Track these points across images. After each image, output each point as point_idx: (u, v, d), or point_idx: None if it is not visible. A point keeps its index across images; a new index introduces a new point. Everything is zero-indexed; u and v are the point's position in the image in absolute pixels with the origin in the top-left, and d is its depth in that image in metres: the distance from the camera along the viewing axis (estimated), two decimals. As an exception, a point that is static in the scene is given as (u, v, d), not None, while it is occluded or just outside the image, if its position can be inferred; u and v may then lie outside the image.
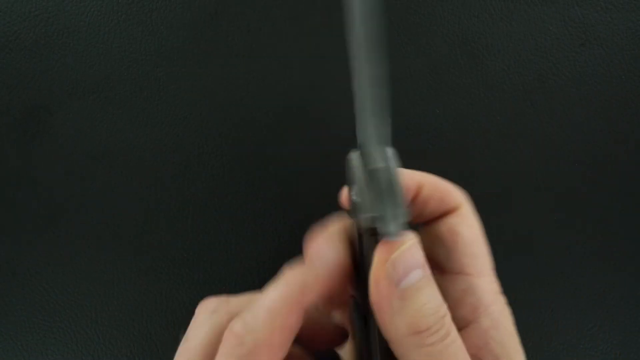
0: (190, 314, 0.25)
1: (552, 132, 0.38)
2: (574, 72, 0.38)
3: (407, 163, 0.22)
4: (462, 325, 0.22)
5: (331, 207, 0.27)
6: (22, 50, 0.39)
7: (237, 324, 0.19)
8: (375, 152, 0.19)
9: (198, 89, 0.39)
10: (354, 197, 0.20)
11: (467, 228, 0.21)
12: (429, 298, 0.19)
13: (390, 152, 0.19)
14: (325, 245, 0.21)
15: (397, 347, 0.19)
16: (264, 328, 0.19)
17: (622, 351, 0.39)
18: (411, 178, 0.23)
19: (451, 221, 0.23)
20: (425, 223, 0.24)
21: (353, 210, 0.21)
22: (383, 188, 0.18)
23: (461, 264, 0.22)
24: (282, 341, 0.19)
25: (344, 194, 0.23)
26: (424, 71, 0.39)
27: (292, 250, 0.35)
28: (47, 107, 0.39)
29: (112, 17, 0.38)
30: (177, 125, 0.39)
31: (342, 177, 0.23)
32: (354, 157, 0.19)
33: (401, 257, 0.18)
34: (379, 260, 0.19)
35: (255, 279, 0.38)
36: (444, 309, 0.19)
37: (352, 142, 0.21)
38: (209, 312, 0.22)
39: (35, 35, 0.39)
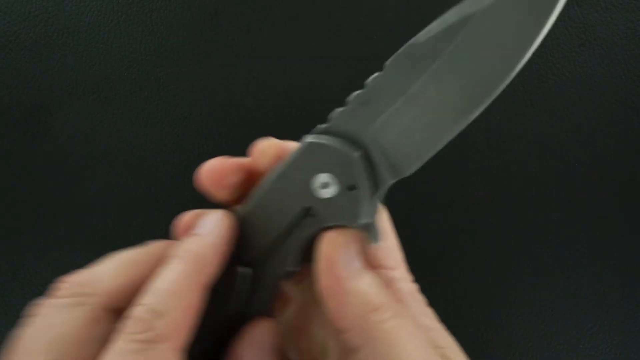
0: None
1: (552, 132, 0.38)
2: (573, 72, 0.38)
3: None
4: None
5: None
6: (22, 50, 0.39)
7: (139, 309, 0.18)
8: (381, 163, 0.20)
9: (198, 89, 0.39)
10: (326, 190, 0.20)
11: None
12: (376, 279, 0.20)
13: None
14: (209, 215, 0.22)
15: (353, 332, 0.19)
16: (170, 311, 0.18)
17: (622, 351, 0.39)
18: None
19: None
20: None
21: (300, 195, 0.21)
22: (380, 199, 0.20)
23: (378, 257, 0.22)
24: (189, 322, 0.19)
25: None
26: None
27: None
28: (47, 107, 0.39)
29: (112, 17, 0.38)
30: (177, 125, 0.39)
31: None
32: (357, 158, 0.20)
33: (354, 242, 0.20)
34: (338, 245, 0.20)
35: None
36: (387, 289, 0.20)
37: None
38: (74, 293, 0.20)
39: (35, 35, 0.39)
